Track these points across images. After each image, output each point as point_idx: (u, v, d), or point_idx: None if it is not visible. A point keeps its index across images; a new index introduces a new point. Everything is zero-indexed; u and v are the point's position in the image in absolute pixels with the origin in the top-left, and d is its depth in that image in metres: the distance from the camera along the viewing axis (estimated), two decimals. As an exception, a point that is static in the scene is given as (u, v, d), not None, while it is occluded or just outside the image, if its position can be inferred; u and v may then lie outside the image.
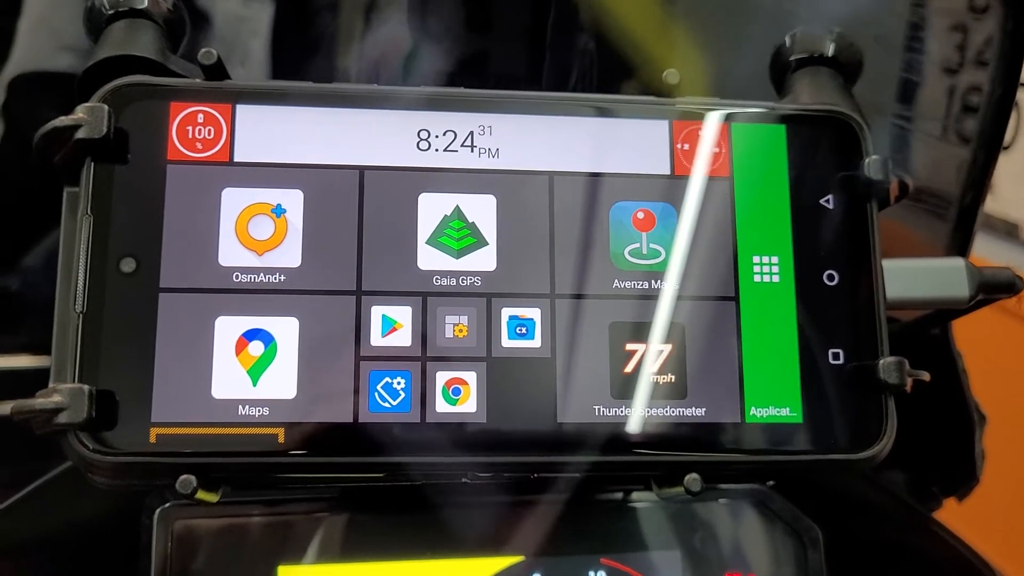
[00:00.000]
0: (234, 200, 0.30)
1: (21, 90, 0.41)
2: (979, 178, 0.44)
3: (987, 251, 1.14)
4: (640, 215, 0.31)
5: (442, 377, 0.29)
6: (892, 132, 0.47)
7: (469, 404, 0.29)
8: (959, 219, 0.44)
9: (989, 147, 0.43)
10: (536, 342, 0.30)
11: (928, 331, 0.42)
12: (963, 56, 0.44)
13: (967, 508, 0.48)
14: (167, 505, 0.36)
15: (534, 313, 0.30)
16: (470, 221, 0.31)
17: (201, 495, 0.28)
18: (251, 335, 0.29)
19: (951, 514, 0.47)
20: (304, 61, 0.43)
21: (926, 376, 0.31)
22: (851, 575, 0.42)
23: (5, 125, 0.41)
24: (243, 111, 0.30)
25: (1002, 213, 1.18)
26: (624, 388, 0.30)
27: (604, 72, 0.42)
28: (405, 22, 0.42)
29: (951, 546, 0.43)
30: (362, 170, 0.30)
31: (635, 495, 0.39)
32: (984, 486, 0.47)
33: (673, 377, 0.30)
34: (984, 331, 0.59)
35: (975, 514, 0.50)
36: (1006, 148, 1.18)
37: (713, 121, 0.32)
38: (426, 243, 0.30)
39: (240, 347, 0.29)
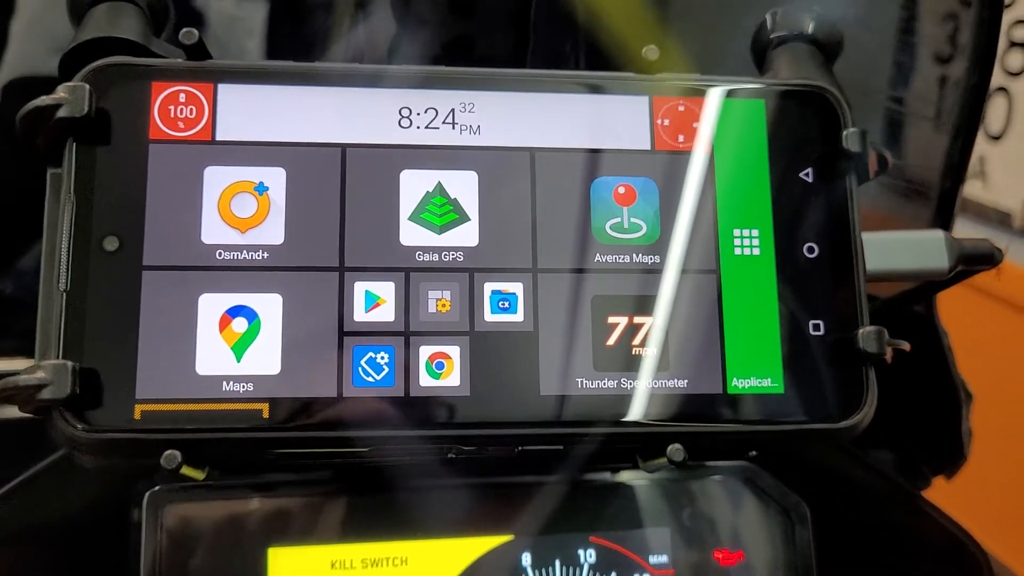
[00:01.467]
0: (217, 178, 0.30)
1: (14, 93, 0.41)
2: (958, 164, 0.44)
3: (979, 240, 1.15)
4: (621, 190, 0.32)
5: (425, 351, 0.30)
6: (884, 120, 0.47)
7: (452, 378, 0.29)
8: (939, 204, 0.45)
9: (967, 134, 0.44)
10: (519, 316, 0.30)
11: (910, 306, 0.42)
12: (954, 46, 0.45)
13: (955, 487, 0.48)
14: (156, 489, 0.36)
15: (516, 288, 0.30)
16: (452, 197, 0.31)
17: (186, 471, 0.28)
18: (235, 312, 0.29)
19: (939, 493, 0.48)
20: (298, 60, 0.43)
21: (906, 345, 0.31)
22: (841, 554, 0.42)
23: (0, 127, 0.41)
24: (225, 90, 0.30)
25: (994, 202, 1.18)
26: (607, 361, 0.30)
27: (589, 54, 0.42)
28: (389, 9, 0.42)
29: (939, 524, 0.43)
30: (344, 148, 0.31)
31: (623, 473, 0.39)
32: (971, 465, 0.47)
33: (655, 349, 0.31)
34: (967, 314, 0.60)
35: (963, 493, 0.50)
36: (998, 138, 1.18)
37: (693, 96, 0.32)
38: (408, 219, 0.30)
39: (224, 324, 0.29)
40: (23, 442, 0.38)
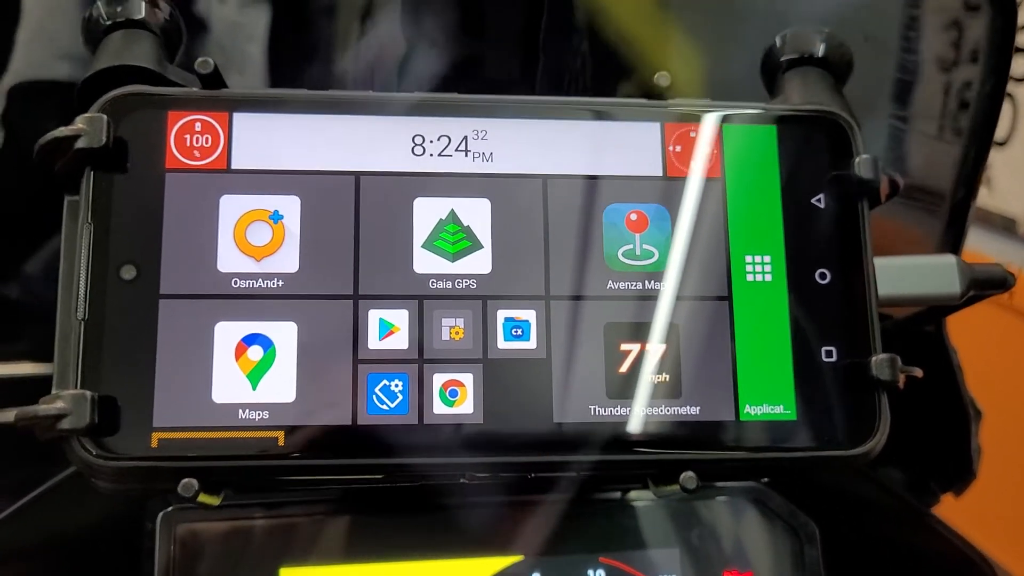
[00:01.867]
0: (232, 207, 0.30)
1: (20, 98, 0.41)
2: (971, 174, 0.44)
3: (984, 246, 1.15)
4: (633, 217, 0.32)
5: (439, 379, 0.30)
6: (888, 131, 0.47)
7: (466, 405, 0.30)
8: (951, 215, 0.44)
9: (980, 142, 0.44)
10: (532, 343, 0.30)
11: (921, 328, 0.42)
12: (958, 53, 0.45)
13: (965, 504, 0.48)
14: (169, 509, 0.37)
15: (529, 315, 0.31)
16: (465, 224, 0.31)
17: (203, 498, 0.28)
18: (250, 340, 0.29)
19: (949, 510, 0.48)
20: (301, 67, 0.44)
21: (919, 372, 0.31)
22: (850, 573, 0.42)
23: (4, 133, 0.41)
24: (240, 119, 0.30)
25: (999, 208, 1.18)
26: (619, 388, 0.30)
27: (597, 75, 0.42)
28: (399, 26, 0.43)
29: (949, 541, 0.43)
30: (358, 176, 0.31)
31: (633, 494, 0.39)
32: (981, 481, 0.47)
33: (668, 376, 0.31)
34: (979, 326, 0.60)
35: (973, 510, 0.50)
36: (1003, 144, 1.18)
37: (704, 123, 0.33)
38: (422, 247, 0.31)
39: (240, 352, 0.29)
40: (23, 443, 0.38)
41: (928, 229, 0.47)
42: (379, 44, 0.43)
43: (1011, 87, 1.16)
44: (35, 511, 0.39)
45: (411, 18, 0.42)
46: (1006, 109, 1.17)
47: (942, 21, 0.45)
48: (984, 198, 1.19)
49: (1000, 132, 1.18)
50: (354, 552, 0.37)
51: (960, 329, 0.45)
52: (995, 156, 1.18)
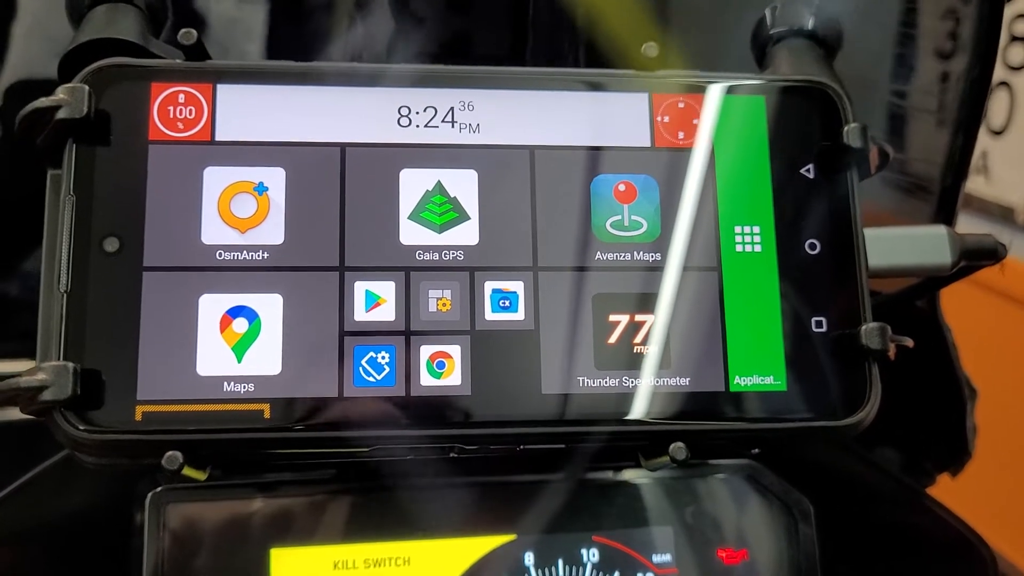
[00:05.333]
0: (216, 179, 0.30)
1: (17, 96, 0.41)
2: (960, 160, 0.44)
3: (982, 235, 1.14)
4: (621, 187, 0.32)
5: (426, 351, 0.29)
6: (886, 116, 0.47)
7: (453, 377, 0.29)
8: (940, 202, 0.44)
9: (968, 129, 0.44)
10: (520, 315, 0.30)
11: (913, 302, 0.42)
12: (955, 42, 0.45)
13: (960, 484, 0.48)
14: (159, 489, 0.36)
15: (517, 286, 0.30)
16: (452, 196, 0.31)
17: (188, 472, 0.28)
18: (235, 312, 0.29)
19: (944, 490, 0.47)
20: (298, 60, 0.43)
21: (909, 342, 0.31)
22: (845, 553, 0.42)
23: (3, 130, 0.41)
24: (224, 90, 0.30)
25: (997, 197, 1.18)
26: (608, 359, 0.30)
27: (588, 51, 0.42)
28: (388, 8, 0.42)
29: (945, 521, 0.43)
30: (343, 147, 0.30)
31: (626, 473, 0.39)
32: (976, 462, 0.47)
33: (657, 347, 0.30)
34: (972, 311, 0.59)
35: (968, 490, 0.50)
36: (1000, 133, 1.18)
37: (693, 93, 0.32)
38: (408, 218, 0.30)
39: (224, 324, 0.29)
40: (24, 444, 0.38)
41: (917, 217, 0.47)
42: (368, 27, 0.42)
43: (1009, 76, 1.16)
44: (24, 497, 0.38)
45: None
46: (1004, 98, 1.17)
47: (939, 10, 0.45)
48: (982, 187, 1.19)
49: (998, 121, 1.18)
50: (345, 532, 0.37)
51: (952, 313, 0.45)
52: (993, 145, 1.18)
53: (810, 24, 0.35)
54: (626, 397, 0.30)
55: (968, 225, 0.46)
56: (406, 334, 0.29)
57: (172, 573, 0.36)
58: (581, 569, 0.38)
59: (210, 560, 0.36)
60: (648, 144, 0.32)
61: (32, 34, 0.41)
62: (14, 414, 0.40)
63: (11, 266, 0.42)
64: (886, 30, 0.46)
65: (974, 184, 1.19)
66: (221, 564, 0.36)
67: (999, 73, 1.16)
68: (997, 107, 1.17)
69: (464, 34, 0.42)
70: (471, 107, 0.31)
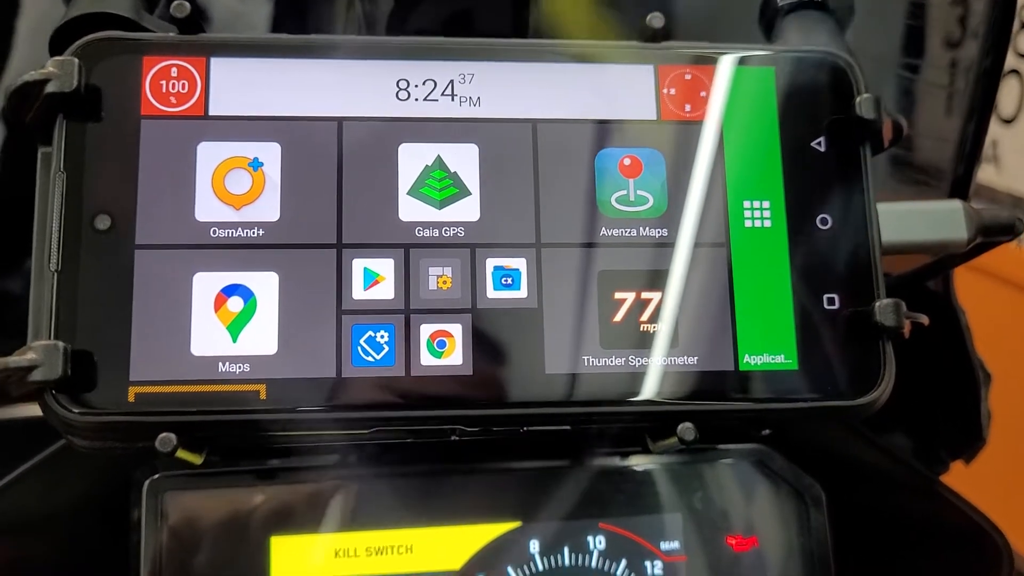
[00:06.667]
0: (210, 154, 0.29)
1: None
2: (971, 150, 0.43)
3: (993, 225, 1.13)
4: (627, 161, 0.31)
5: (426, 330, 0.29)
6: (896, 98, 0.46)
7: (455, 357, 0.29)
8: (952, 192, 0.44)
9: (980, 117, 0.43)
10: (522, 292, 0.29)
11: (926, 281, 0.41)
12: (964, 30, 0.44)
13: (973, 471, 0.47)
14: (156, 477, 0.36)
15: (519, 263, 0.30)
16: (452, 171, 0.30)
17: (182, 454, 0.27)
18: (230, 291, 0.28)
19: (957, 477, 0.46)
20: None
21: (924, 319, 0.30)
22: (857, 540, 0.41)
23: (6, 130, 0.41)
24: (218, 64, 0.29)
25: (1007, 187, 1.17)
26: (614, 338, 0.29)
27: (592, 23, 0.41)
28: None
29: (958, 509, 0.42)
30: (340, 121, 0.30)
31: (633, 458, 0.38)
32: (990, 449, 0.46)
33: (664, 326, 0.30)
34: (983, 299, 0.58)
35: (981, 477, 0.49)
36: (1010, 122, 1.17)
37: (700, 65, 0.32)
38: (407, 194, 0.30)
39: (219, 303, 0.28)
40: (26, 444, 0.37)
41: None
42: (370, 9, 0.42)
43: (1020, 64, 1.15)
44: (21, 487, 0.38)
45: None
46: (1014, 86, 1.16)
47: None
48: (992, 177, 1.18)
49: (1008, 110, 1.17)
50: (347, 520, 0.36)
51: (963, 303, 0.44)
52: (1003, 134, 1.17)
53: (821, -5, 0.34)
54: (633, 377, 0.29)
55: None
56: (406, 313, 0.29)
57: (171, 562, 0.35)
58: (588, 557, 0.37)
59: (209, 548, 0.35)
60: (654, 117, 0.31)
61: (35, 34, 0.40)
62: (16, 412, 0.40)
63: (14, 262, 0.41)
64: (895, 18, 0.45)
65: (984, 173, 1.17)
66: (220, 552, 0.35)
67: (1010, 61, 1.14)
68: (1008, 95, 1.15)
69: (464, 10, 0.41)
70: (471, 80, 0.30)
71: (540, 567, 0.36)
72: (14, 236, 0.41)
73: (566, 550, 0.37)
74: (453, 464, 0.37)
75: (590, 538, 0.37)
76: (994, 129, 1.17)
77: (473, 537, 0.36)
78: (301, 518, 0.36)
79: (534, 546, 0.37)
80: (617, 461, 0.38)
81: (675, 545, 0.38)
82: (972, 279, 0.38)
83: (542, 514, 0.37)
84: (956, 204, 0.32)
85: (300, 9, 0.43)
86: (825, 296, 0.30)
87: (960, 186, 0.43)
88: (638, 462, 0.38)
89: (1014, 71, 1.14)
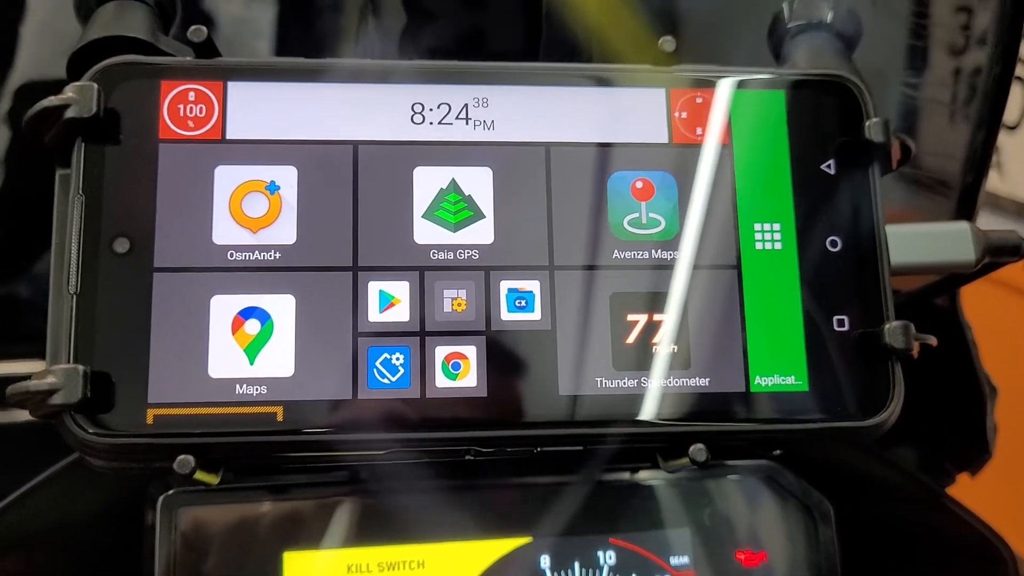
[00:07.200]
0: (227, 178, 0.29)
1: (27, 97, 0.40)
2: (980, 158, 0.43)
3: (996, 232, 1.13)
4: (639, 184, 0.31)
5: (441, 352, 0.29)
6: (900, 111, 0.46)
7: (469, 379, 0.29)
8: (961, 201, 0.44)
9: (989, 127, 0.43)
10: (536, 314, 0.30)
11: (933, 300, 0.41)
12: (968, 38, 0.44)
13: (979, 484, 0.47)
14: (170, 492, 0.36)
15: (533, 285, 0.30)
16: (466, 194, 0.30)
17: (200, 476, 0.28)
18: (247, 313, 0.29)
19: (964, 490, 0.47)
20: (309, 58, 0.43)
21: (933, 340, 0.30)
22: (865, 554, 0.42)
23: (11, 132, 0.41)
24: (234, 88, 0.30)
25: (1010, 194, 1.17)
26: (626, 359, 0.30)
27: (602, 45, 0.42)
28: (400, 4, 0.42)
29: (965, 521, 0.42)
30: (356, 145, 0.30)
31: (643, 474, 0.39)
32: (996, 461, 0.46)
33: (676, 347, 0.30)
34: (990, 306, 0.59)
35: (988, 490, 0.49)
36: (1014, 128, 1.17)
37: (711, 88, 0.32)
38: (422, 217, 0.30)
39: (236, 325, 0.28)
40: (32, 447, 0.37)
41: (938, 215, 0.46)
42: (380, 25, 0.42)
43: (1023, 71, 1.15)
44: (34, 501, 0.38)
45: None
46: (1017, 94, 1.16)
47: (952, 5, 0.44)
48: (995, 183, 1.18)
49: (1011, 117, 1.17)
50: (359, 535, 0.36)
51: (970, 311, 0.45)
52: (1006, 141, 1.17)
53: (828, 17, 0.35)
54: (645, 398, 0.29)
55: (982, 222, 0.45)
56: (421, 335, 0.29)
57: (184, 576, 0.35)
58: (598, 572, 0.37)
59: (222, 564, 0.36)
60: (666, 140, 0.31)
61: (41, 35, 0.41)
62: (23, 415, 0.40)
63: (21, 267, 0.42)
64: (899, 24, 0.46)
65: (987, 180, 1.17)
66: (233, 568, 0.36)
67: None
68: (1011, 102, 1.15)
69: (477, 29, 0.41)
70: (485, 103, 0.31)
71: (551, 583, 0.37)
72: (17, 239, 0.41)
73: (576, 565, 0.37)
74: (464, 480, 0.37)
75: (600, 553, 0.37)
76: (998, 136, 1.17)
77: (484, 552, 0.37)
78: (313, 533, 0.36)
79: (544, 561, 0.37)
80: (627, 477, 0.39)
81: (685, 560, 0.38)
82: (980, 287, 0.38)
83: (553, 529, 0.37)
84: (964, 226, 0.32)
85: (306, 16, 0.43)
86: (835, 318, 0.30)
87: (969, 195, 0.44)
88: (648, 478, 0.39)
89: (1018, 79, 1.15)
